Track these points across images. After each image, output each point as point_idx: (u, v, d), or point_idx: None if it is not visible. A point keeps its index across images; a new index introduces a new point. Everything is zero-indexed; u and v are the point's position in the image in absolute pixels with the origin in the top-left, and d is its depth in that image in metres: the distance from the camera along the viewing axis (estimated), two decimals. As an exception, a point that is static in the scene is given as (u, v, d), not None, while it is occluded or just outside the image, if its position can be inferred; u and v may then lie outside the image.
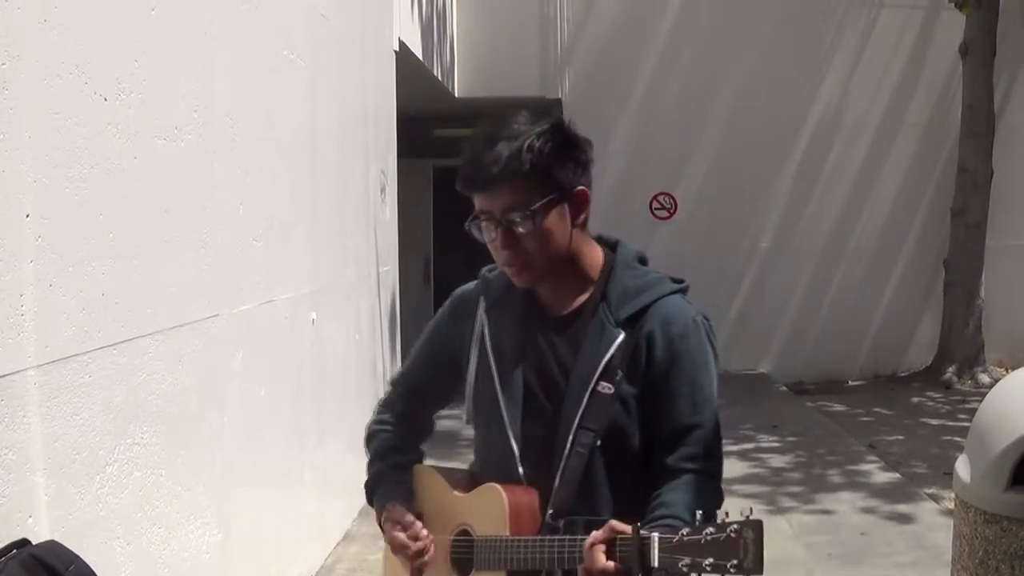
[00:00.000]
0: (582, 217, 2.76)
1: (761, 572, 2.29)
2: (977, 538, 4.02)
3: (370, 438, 3.11)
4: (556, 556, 2.58)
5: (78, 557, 3.03)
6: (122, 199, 3.90)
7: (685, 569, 2.33)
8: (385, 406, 3.15)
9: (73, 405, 3.48)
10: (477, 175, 2.65)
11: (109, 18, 3.87)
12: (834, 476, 9.50)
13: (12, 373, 3.10)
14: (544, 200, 2.65)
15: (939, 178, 15.41)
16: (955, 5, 13.99)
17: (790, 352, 15.51)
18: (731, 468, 9.52)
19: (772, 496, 8.82)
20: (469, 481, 2.91)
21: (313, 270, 6.82)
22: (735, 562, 2.28)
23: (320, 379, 6.91)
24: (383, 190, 9.12)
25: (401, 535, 2.85)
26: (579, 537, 2.52)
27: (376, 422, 3.12)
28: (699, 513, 2.39)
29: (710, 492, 2.69)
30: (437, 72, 13.28)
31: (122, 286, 3.87)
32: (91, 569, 3.06)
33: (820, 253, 15.55)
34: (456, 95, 15.18)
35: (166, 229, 4.35)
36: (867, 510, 8.41)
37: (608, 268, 2.81)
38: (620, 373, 2.69)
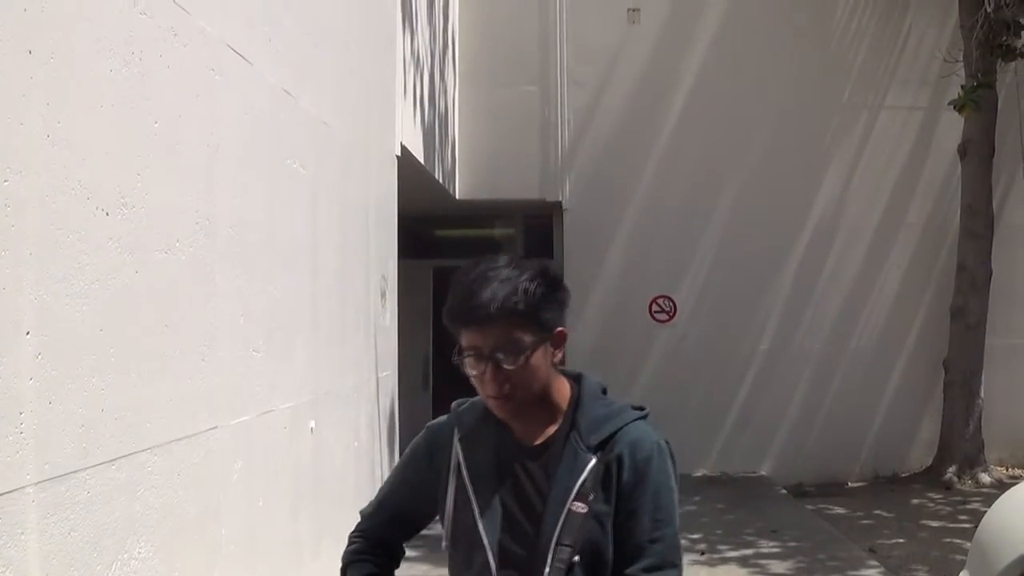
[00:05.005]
0: (560, 355, 2.97)
1: None
2: (979, 654, 4.00)
3: (347, 568, 3.24)
4: None
5: None
6: (123, 313, 3.92)
7: None
8: (359, 536, 3.28)
9: (71, 521, 3.47)
10: (472, 313, 2.81)
11: (112, 132, 3.90)
12: (835, 583, 9.43)
13: (11, 491, 3.10)
14: (533, 339, 2.85)
15: (938, 278, 15.51)
16: (954, 107, 14.14)
17: (790, 454, 15.46)
18: (732, 575, 9.53)
19: (773, 603, 8.76)
20: None
21: (313, 378, 6.82)
22: None
23: (318, 487, 6.89)
24: (383, 295, 9.15)
25: None
26: None
27: (353, 552, 3.25)
28: None
29: None
30: (438, 175, 13.39)
31: (122, 401, 3.88)
32: None
33: (820, 354, 15.58)
34: (457, 197, 15.27)
35: (166, 342, 4.36)
36: (869, 618, 8.34)
37: (575, 399, 3.02)
38: (593, 494, 2.89)
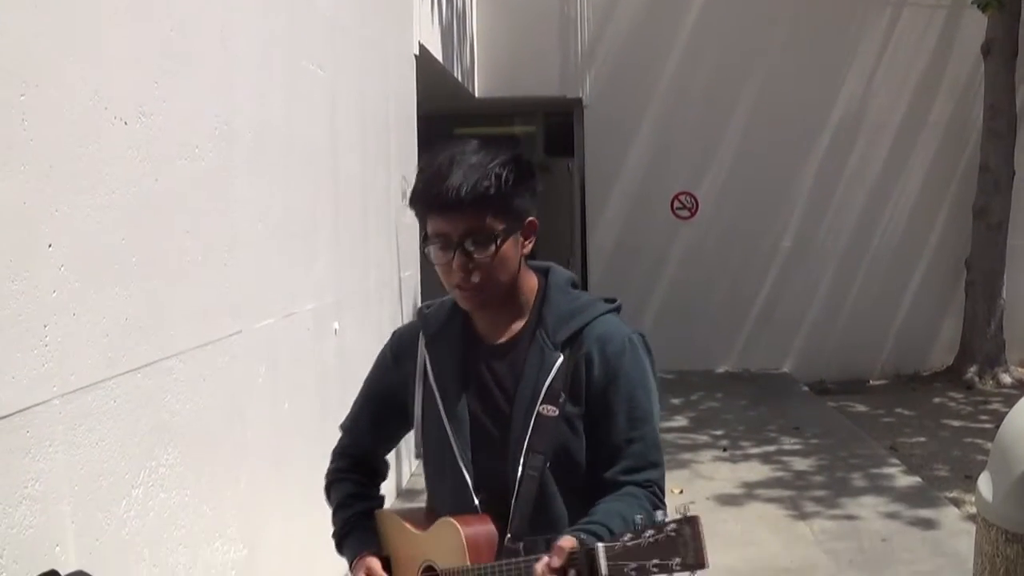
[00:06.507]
0: (530, 246, 2.83)
1: (704, 565, 2.33)
2: (999, 556, 4.01)
3: (330, 487, 3.18)
4: None
5: (104, 587, 3.05)
6: (144, 222, 3.91)
7: (633, 573, 2.36)
8: (340, 454, 3.21)
9: (98, 432, 3.49)
10: (440, 197, 2.66)
11: (128, 40, 3.86)
12: (856, 480, 9.48)
13: (37, 404, 3.11)
14: (504, 227, 2.70)
15: (961, 178, 15.38)
16: (978, 6, 13.93)
17: (812, 352, 15.50)
18: (754, 472, 9.63)
19: (795, 500, 8.81)
20: (427, 519, 2.95)
21: (335, 279, 6.83)
22: (678, 560, 2.33)
23: (343, 389, 6.89)
24: (404, 196, 9.13)
25: None
26: (534, 556, 2.55)
27: (335, 471, 3.19)
28: (638, 518, 2.41)
29: (648, 501, 2.74)
30: (457, 73, 13.31)
31: (145, 309, 3.88)
32: (117, 599, 3.08)
33: (842, 253, 15.54)
34: (476, 95, 15.20)
35: (188, 249, 4.36)
36: (889, 515, 8.39)
37: (542, 294, 2.89)
38: (563, 395, 2.76)
